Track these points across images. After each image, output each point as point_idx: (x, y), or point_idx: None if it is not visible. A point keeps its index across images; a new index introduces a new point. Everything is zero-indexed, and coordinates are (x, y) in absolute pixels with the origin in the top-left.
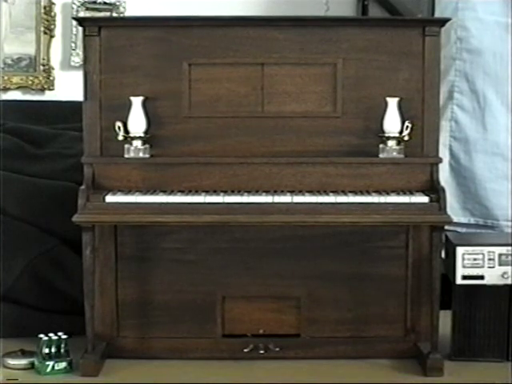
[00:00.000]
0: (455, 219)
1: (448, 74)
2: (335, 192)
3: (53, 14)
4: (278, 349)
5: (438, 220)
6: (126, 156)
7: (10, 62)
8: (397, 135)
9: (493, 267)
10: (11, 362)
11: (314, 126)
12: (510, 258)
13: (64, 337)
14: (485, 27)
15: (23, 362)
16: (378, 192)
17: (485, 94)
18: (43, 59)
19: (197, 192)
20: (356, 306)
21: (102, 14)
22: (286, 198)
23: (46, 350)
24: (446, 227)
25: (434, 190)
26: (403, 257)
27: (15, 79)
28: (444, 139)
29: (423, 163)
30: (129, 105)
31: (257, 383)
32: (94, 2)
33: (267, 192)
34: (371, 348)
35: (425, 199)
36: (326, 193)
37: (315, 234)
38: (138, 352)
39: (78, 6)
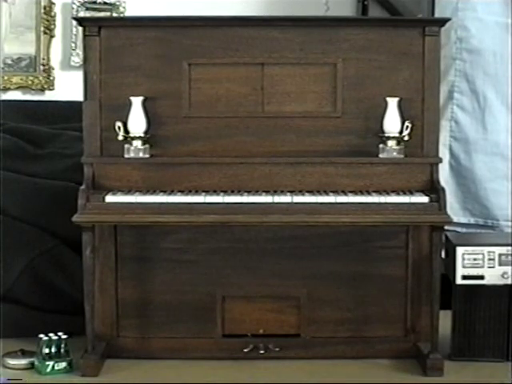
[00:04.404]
0: (455, 219)
1: (448, 74)
2: (335, 192)
3: (53, 14)
4: (278, 349)
5: (437, 220)
6: (126, 156)
7: (9, 62)
8: (397, 135)
9: (493, 267)
10: (11, 361)
11: (314, 126)
12: (510, 257)
13: (64, 337)
14: (485, 27)
15: (23, 361)
16: (378, 192)
17: (485, 94)
18: (43, 59)
19: (197, 192)
20: (356, 306)
21: (102, 14)
22: (285, 198)
23: (46, 350)
24: (446, 227)
25: (433, 190)
26: (403, 257)
27: (15, 79)
28: (444, 139)
29: (423, 163)
30: (129, 105)
31: (257, 383)
32: (94, 2)
33: (267, 192)
34: (371, 348)
35: (425, 199)
36: (326, 193)
37: (315, 234)
38: (138, 352)
39: (78, 6)
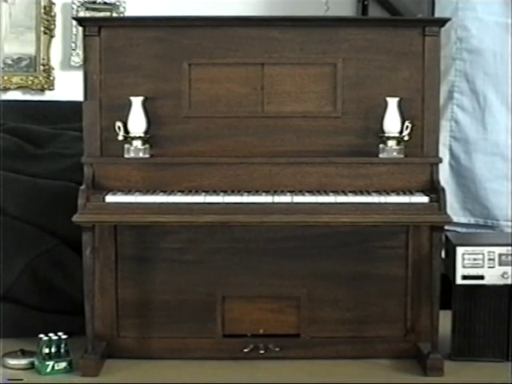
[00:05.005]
0: (455, 219)
1: (448, 74)
2: (335, 192)
3: (53, 13)
4: (278, 349)
5: (437, 220)
6: (126, 156)
7: (10, 62)
8: (397, 135)
9: (493, 267)
10: (11, 361)
11: (314, 126)
12: (510, 257)
13: (64, 337)
14: (485, 27)
15: (23, 361)
16: (378, 192)
17: (485, 94)
18: (43, 59)
19: (197, 192)
20: (356, 306)
21: (102, 14)
22: (285, 198)
23: (46, 350)
24: (446, 227)
25: (434, 190)
26: (403, 257)
27: (15, 79)
28: (444, 139)
29: (423, 163)
30: (129, 105)
31: (257, 383)
32: (94, 2)
33: (267, 192)
34: (371, 348)
35: (425, 199)
36: (326, 193)
37: (315, 234)
38: (138, 352)
39: (78, 6)
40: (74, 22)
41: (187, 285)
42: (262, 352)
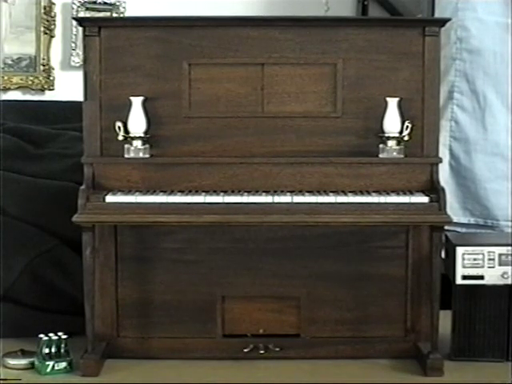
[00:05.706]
0: (455, 219)
1: (448, 74)
2: (335, 192)
3: (53, 14)
4: (278, 349)
5: (437, 220)
6: (126, 156)
7: (9, 62)
8: (397, 135)
9: (493, 267)
10: (11, 361)
11: (314, 126)
12: (509, 257)
13: (64, 337)
14: (485, 27)
15: (23, 361)
16: (378, 192)
17: (485, 94)
18: (43, 59)
19: (197, 192)
20: (356, 306)
21: (101, 14)
22: (285, 198)
23: (46, 350)
24: (446, 227)
25: (434, 189)
26: (403, 257)
27: (15, 79)
28: (444, 139)
29: (423, 163)
30: (129, 105)
31: (257, 383)
32: (94, 2)
33: (267, 192)
34: (371, 348)
35: (425, 199)
36: (325, 193)
37: (315, 234)
38: (138, 352)
39: (78, 6)
40: (74, 22)
41: (187, 285)
42: (261, 352)
